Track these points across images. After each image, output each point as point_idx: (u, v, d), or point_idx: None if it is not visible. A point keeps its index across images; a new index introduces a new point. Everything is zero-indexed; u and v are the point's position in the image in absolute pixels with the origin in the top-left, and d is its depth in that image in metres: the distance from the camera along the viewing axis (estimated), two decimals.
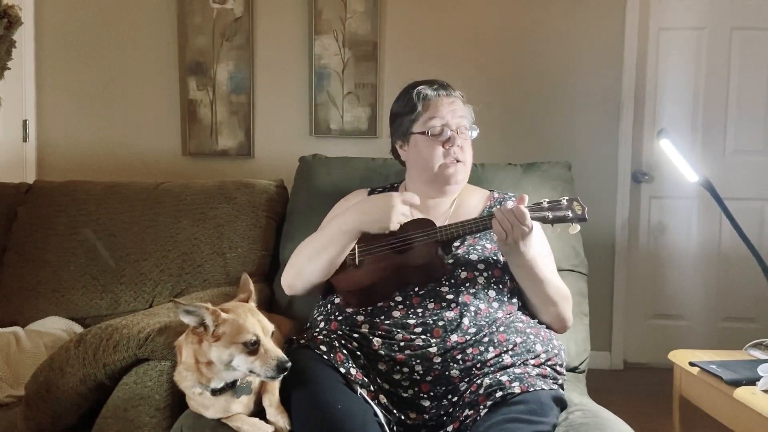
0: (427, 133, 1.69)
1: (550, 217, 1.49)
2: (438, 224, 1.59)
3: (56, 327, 1.97)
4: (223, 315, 1.28)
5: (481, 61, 3.48)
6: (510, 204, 1.72)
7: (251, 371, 1.26)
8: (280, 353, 1.27)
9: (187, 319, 1.28)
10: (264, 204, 2.17)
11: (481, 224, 1.52)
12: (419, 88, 1.74)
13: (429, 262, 1.52)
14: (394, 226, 1.50)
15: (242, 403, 1.34)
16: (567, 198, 1.51)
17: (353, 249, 1.60)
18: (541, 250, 1.60)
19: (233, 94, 3.48)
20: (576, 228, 1.50)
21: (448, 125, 1.68)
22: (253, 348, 1.25)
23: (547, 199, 1.52)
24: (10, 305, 2.10)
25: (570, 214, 1.49)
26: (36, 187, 2.33)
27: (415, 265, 1.53)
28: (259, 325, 1.29)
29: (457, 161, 1.69)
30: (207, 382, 1.31)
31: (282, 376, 1.27)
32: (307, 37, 3.46)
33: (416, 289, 1.53)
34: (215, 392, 1.32)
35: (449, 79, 1.80)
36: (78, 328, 2.01)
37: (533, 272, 1.54)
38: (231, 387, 1.32)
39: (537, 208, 1.50)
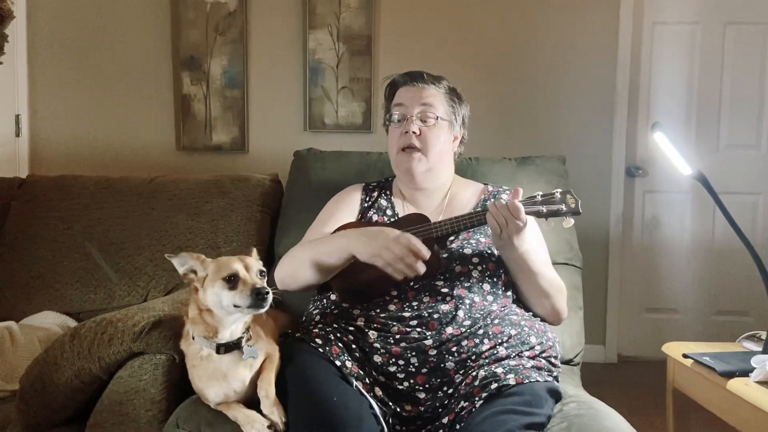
0: (389, 120, 1.72)
1: (544, 211, 1.49)
2: (431, 218, 1.59)
3: (50, 321, 1.97)
4: (208, 259, 1.35)
5: (476, 56, 3.49)
6: (504, 197, 1.73)
7: (235, 306, 1.29)
8: (257, 282, 1.30)
9: (180, 269, 1.36)
10: (259, 198, 2.17)
11: (476, 219, 1.51)
12: (394, 77, 1.77)
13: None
14: (379, 264, 1.42)
15: (241, 381, 1.35)
16: (560, 191, 1.51)
17: None
18: (534, 243, 1.59)
19: (227, 88, 3.47)
20: (570, 222, 1.50)
21: (406, 111, 1.69)
22: (233, 283, 1.29)
23: (540, 193, 1.51)
24: (3, 300, 2.10)
25: (564, 207, 1.49)
26: (29, 181, 2.32)
27: None
28: (241, 263, 1.32)
29: (409, 147, 1.67)
30: (213, 335, 1.33)
31: (266, 305, 1.29)
32: (301, 32, 3.45)
33: (411, 283, 1.53)
34: (220, 349, 1.33)
35: (443, 73, 1.80)
36: (72, 323, 2.00)
37: (526, 265, 1.54)
38: (236, 347, 1.34)
39: (531, 202, 1.49)
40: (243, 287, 1.29)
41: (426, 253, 1.41)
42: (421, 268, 1.40)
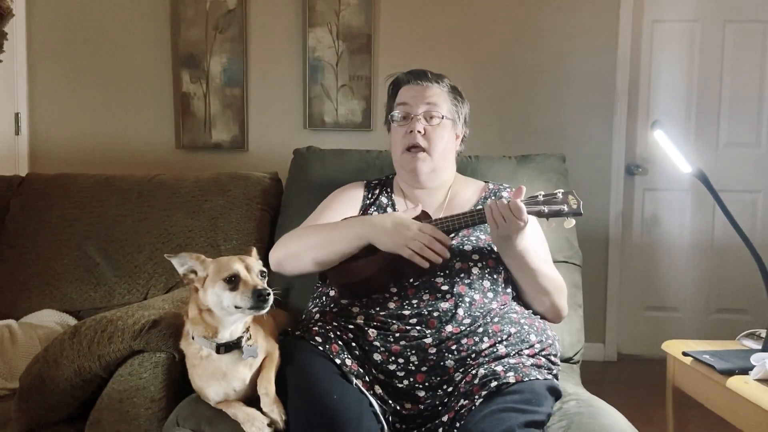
0: (393, 118, 1.72)
1: (546, 211, 1.48)
2: (432, 216, 1.59)
3: (50, 320, 1.97)
4: (208, 259, 1.34)
5: (476, 54, 3.48)
6: (505, 195, 1.73)
7: (237, 307, 1.29)
8: (258, 283, 1.30)
9: (180, 269, 1.35)
10: (258, 196, 2.17)
11: (477, 217, 1.51)
12: (398, 75, 1.76)
13: None
14: (405, 254, 1.46)
15: (241, 380, 1.35)
16: (562, 191, 1.51)
17: None
18: (534, 241, 1.59)
19: (227, 86, 3.47)
20: (571, 222, 1.50)
21: (410, 110, 1.68)
22: (234, 283, 1.29)
23: (542, 192, 1.51)
24: (3, 298, 2.09)
25: (565, 208, 1.49)
26: (28, 180, 2.32)
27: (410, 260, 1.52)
28: (242, 264, 1.32)
29: (414, 147, 1.67)
30: (213, 335, 1.33)
31: (267, 306, 1.28)
32: (300, 30, 3.45)
33: (411, 280, 1.53)
34: (220, 349, 1.33)
35: (443, 71, 1.80)
36: (72, 321, 2.00)
37: (525, 262, 1.54)
38: (235, 346, 1.34)
39: (533, 202, 1.49)
40: (244, 288, 1.28)
41: (448, 239, 1.48)
42: (447, 254, 1.46)
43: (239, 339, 1.35)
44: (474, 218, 1.52)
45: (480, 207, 1.55)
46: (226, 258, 1.35)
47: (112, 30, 3.44)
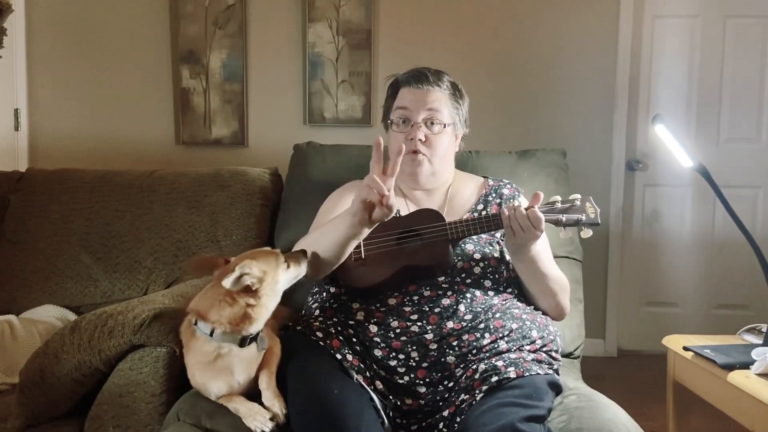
0: (392, 122, 1.69)
1: (564, 220, 1.47)
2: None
3: (50, 315, 1.97)
4: (231, 265, 1.34)
5: (476, 50, 3.48)
6: (505, 192, 1.72)
7: (297, 276, 1.42)
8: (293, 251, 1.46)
9: (240, 283, 1.31)
10: (258, 192, 2.16)
11: (493, 223, 1.49)
12: (397, 76, 1.73)
13: (439, 262, 1.50)
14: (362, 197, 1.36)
15: (247, 374, 1.35)
16: (580, 197, 1.49)
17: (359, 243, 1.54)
18: (541, 242, 1.58)
19: (227, 82, 3.46)
20: (588, 232, 1.49)
21: (411, 116, 1.65)
22: (288, 262, 1.40)
23: (560, 199, 1.49)
24: (3, 293, 2.09)
25: (583, 217, 1.48)
26: (28, 175, 2.32)
27: (424, 266, 1.49)
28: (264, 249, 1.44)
29: (415, 152, 1.64)
30: (249, 325, 1.33)
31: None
32: (300, 25, 3.45)
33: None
34: (245, 341, 1.34)
35: (443, 67, 1.77)
36: (72, 316, 2.00)
37: (536, 267, 1.54)
38: (255, 338, 1.36)
39: (551, 210, 1.47)
40: (295, 257, 1.42)
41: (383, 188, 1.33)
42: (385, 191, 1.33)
43: (259, 331, 1.36)
44: (490, 224, 1.49)
45: (497, 213, 1.51)
46: (257, 253, 1.40)
47: (111, 26, 3.44)
